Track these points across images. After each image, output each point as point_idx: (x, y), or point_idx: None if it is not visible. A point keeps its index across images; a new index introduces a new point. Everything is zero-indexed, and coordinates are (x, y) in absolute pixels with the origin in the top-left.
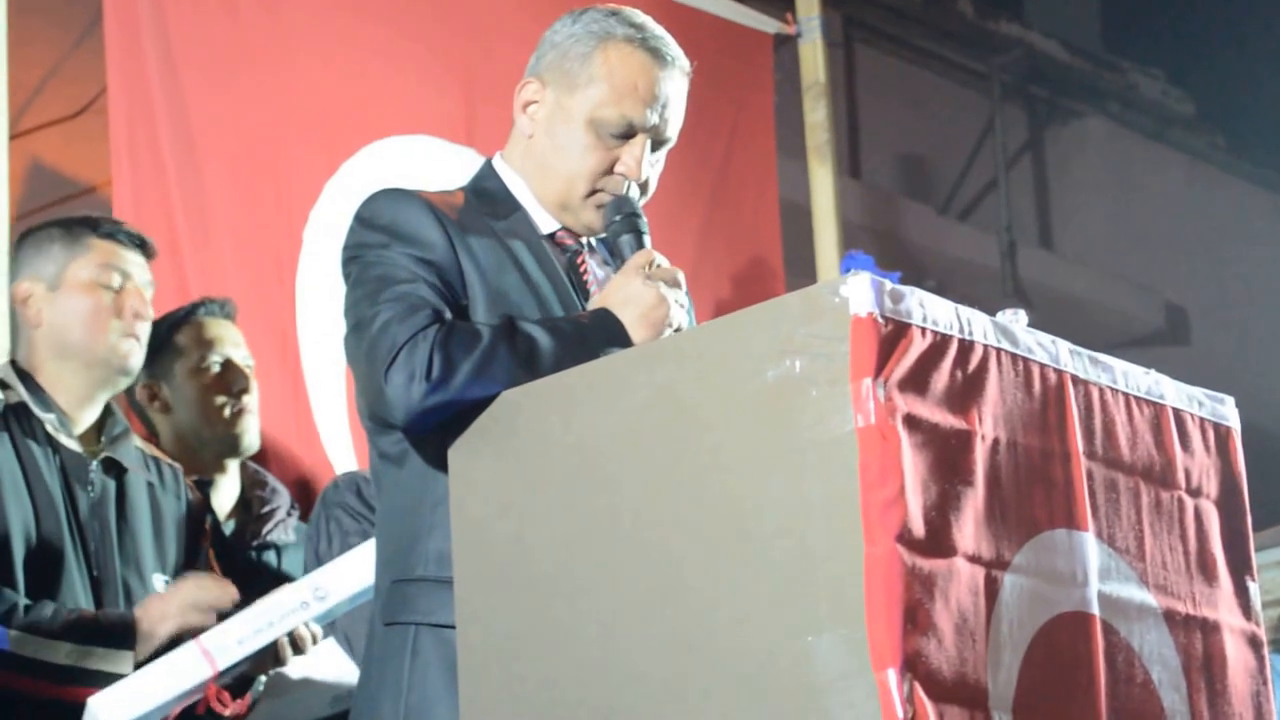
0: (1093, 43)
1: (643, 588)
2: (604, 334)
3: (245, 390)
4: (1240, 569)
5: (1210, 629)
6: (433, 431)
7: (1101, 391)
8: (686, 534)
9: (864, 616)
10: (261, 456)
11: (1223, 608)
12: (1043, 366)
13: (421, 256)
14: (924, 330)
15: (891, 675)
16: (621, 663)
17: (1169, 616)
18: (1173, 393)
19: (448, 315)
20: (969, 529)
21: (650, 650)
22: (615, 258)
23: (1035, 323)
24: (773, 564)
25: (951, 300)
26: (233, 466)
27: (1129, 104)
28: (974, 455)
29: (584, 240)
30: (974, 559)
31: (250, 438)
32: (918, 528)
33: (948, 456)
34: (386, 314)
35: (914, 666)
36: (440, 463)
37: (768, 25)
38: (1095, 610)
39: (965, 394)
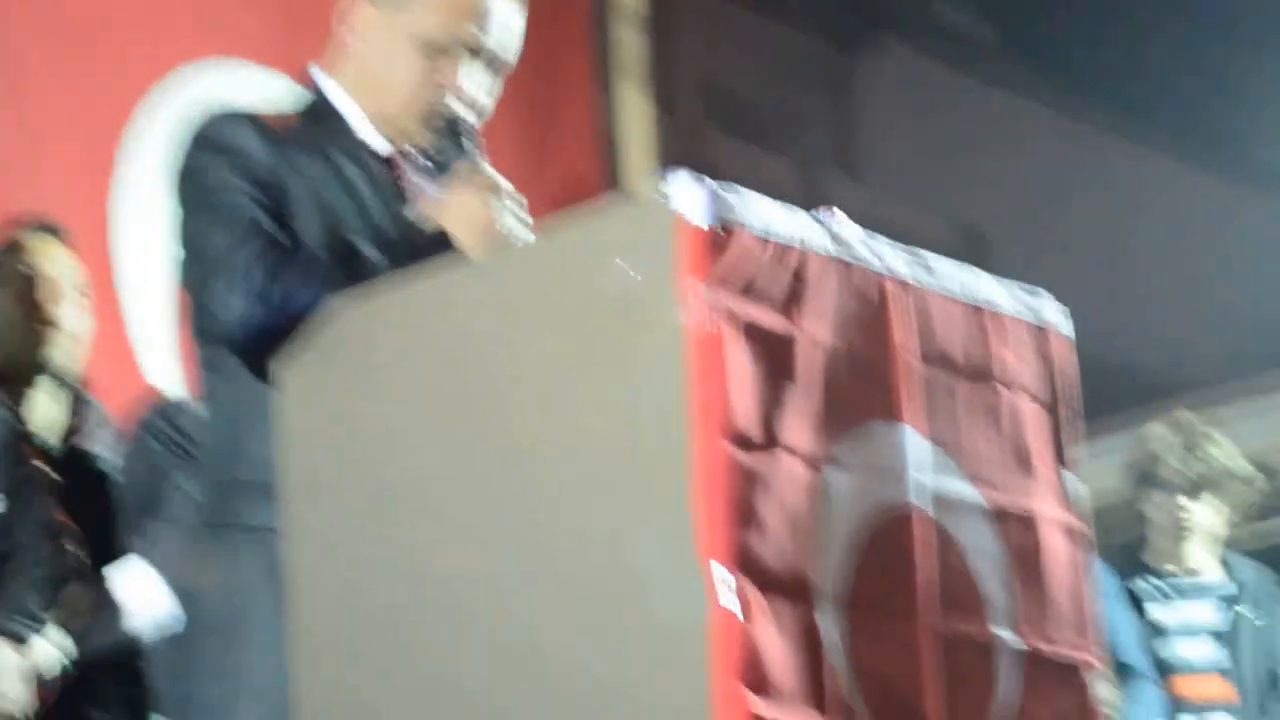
0: None
1: (472, 492)
2: (434, 248)
3: (55, 305)
4: (1059, 463)
5: (1030, 521)
6: (261, 347)
7: (925, 292)
8: (518, 440)
9: (693, 512)
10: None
11: (1042, 500)
12: (866, 268)
13: (250, 174)
14: (750, 233)
15: (720, 568)
16: (449, 566)
17: (990, 509)
18: (994, 292)
19: (278, 235)
20: (795, 426)
21: (480, 551)
22: (442, 171)
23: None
24: (604, 466)
25: None
26: (45, 380)
27: (933, 33)
28: (800, 355)
29: (409, 154)
30: (800, 455)
31: (59, 355)
32: (745, 425)
33: (775, 356)
34: (219, 235)
35: (742, 559)
36: (265, 371)
37: None
38: (918, 503)
39: (792, 295)
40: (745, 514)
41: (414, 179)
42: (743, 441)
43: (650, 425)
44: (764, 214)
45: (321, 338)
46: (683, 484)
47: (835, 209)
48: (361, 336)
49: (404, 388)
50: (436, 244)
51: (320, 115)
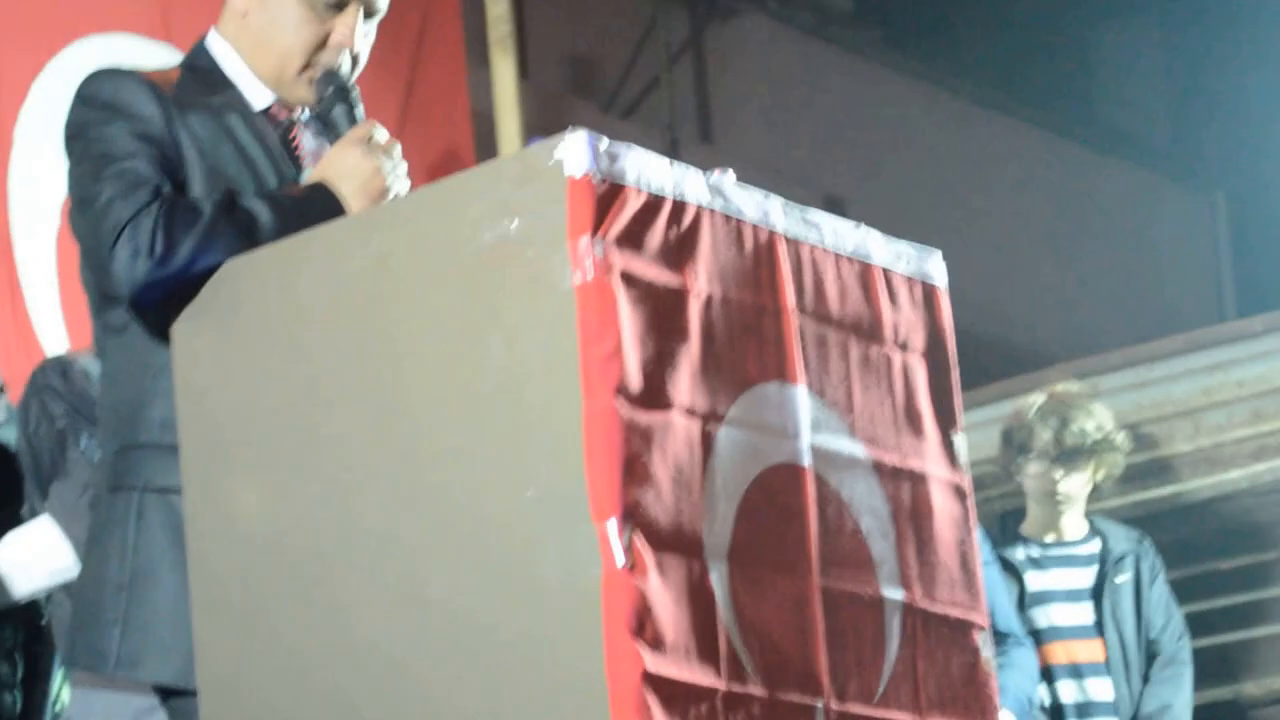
0: None
1: (366, 449)
2: (322, 207)
3: None
4: (946, 422)
5: (917, 480)
6: (158, 306)
7: (812, 249)
8: (408, 397)
9: (584, 469)
10: None
11: (929, 459)
12: (755, 225)
13: (141, 131)
14: (639, 190)
15: (611, 525)
16: (346, 522)
17: (878, 468)
18: (881, 249)
19: (168, 190)
20: (684, 383)
21: (374, 509)
22: (329, 131)
23: None
24: (494, 424)
25: None
26: None
27: (788, 1)
28: (688, 311)
29: (297, 114)
30: (690, 412)
31: None
32: (635, 382)
33: (663, 313)
34: (109, 191)
35: (633, 517)
36: (162, 332)
37: None
38: (807, 462)
39: (680, 252)
40: (636, 471)
41: (308, 142)
42: (634, 398)
43: (540, 383)
44: (652, 170)
45: (216, 297)
46: (574, 441)
47: (729, 169)
48: (255, 295)
49: (296, 345)
50: (327, 204)
51: (208, 77)
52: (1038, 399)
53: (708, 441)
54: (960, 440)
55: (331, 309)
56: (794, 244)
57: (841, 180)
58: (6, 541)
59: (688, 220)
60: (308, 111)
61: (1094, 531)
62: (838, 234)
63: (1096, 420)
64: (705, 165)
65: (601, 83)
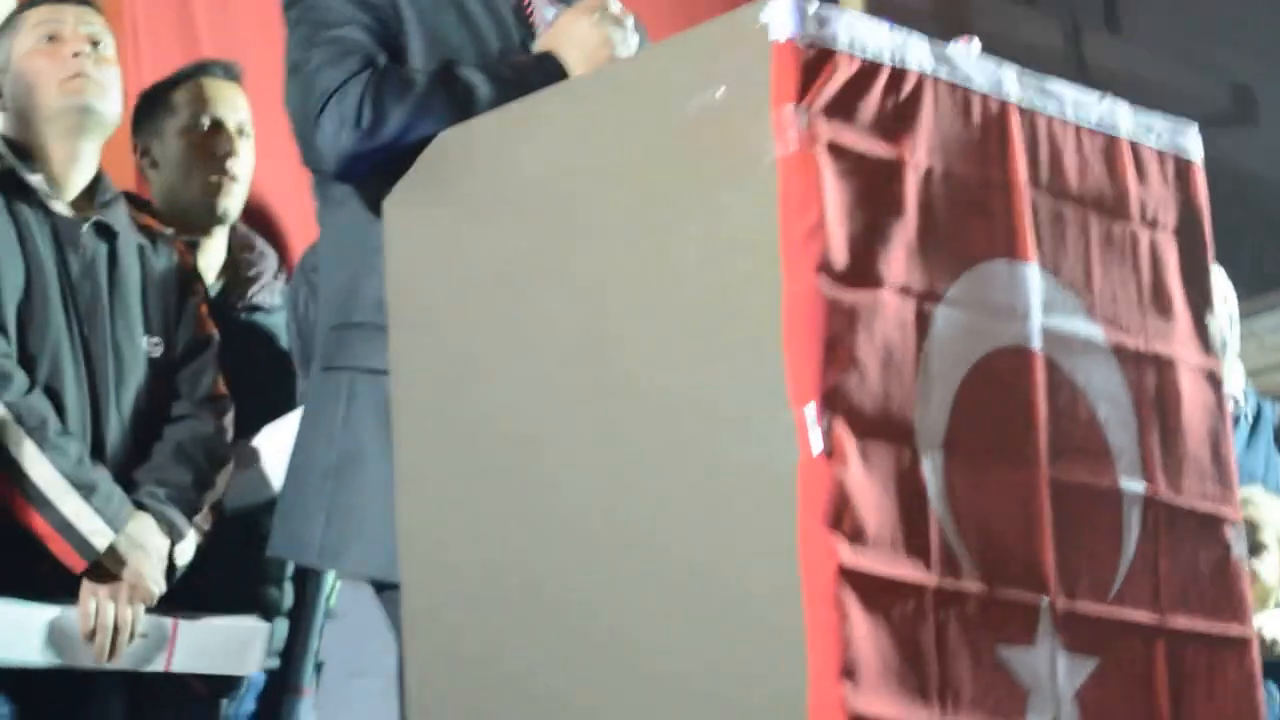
0: None
1: (570, 327)
2: (545, 77)
3: (230, 154)
4: (1199, 304)
5: (1164, 365)
6: (370, 178)
7: (1049, 121)
8: (614, 272)
9: (782, 351)
10: (255, 217)
11: (1178, 343)
12: (984, 95)
13: None
14: (851, 56)
15: (810, 410)
16: (549, 403)
17: (1119, 351)
18: (1129, 123)
19: (382, 59)
20: (898, 261)
21: (576, 393)
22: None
23: None
24: (692, 304)
25: None
26: (220, 230)
27: None
28: (905, 185)
29: None
30: (904, 291)
31: (228, 204)
32: (840, 259)
33: (876, 186)
34: (318, 58)
35: (834, 401)
36: (378, 206)
37: None
38: (1037, 345)
39: (896, 122)
40: (840, 353)
41: (545, 11)
42: (839, 276)
43: (738, 260)
44: (869, 36)
45: (427, 170)
46: (772, 321)
47: (974, 37)
48: (466, 168)
49: (502, 220)
50: (550, 73)
51: None
52: None
53: (923, 322)
54: (1215, 323)
55: (540, 183)
56: (1030, 115)
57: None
58: (265, 433)
59: (907, 89)
60: None
61: None
62: (1080, 105)
63: None
64: (1111, 57)
65: None
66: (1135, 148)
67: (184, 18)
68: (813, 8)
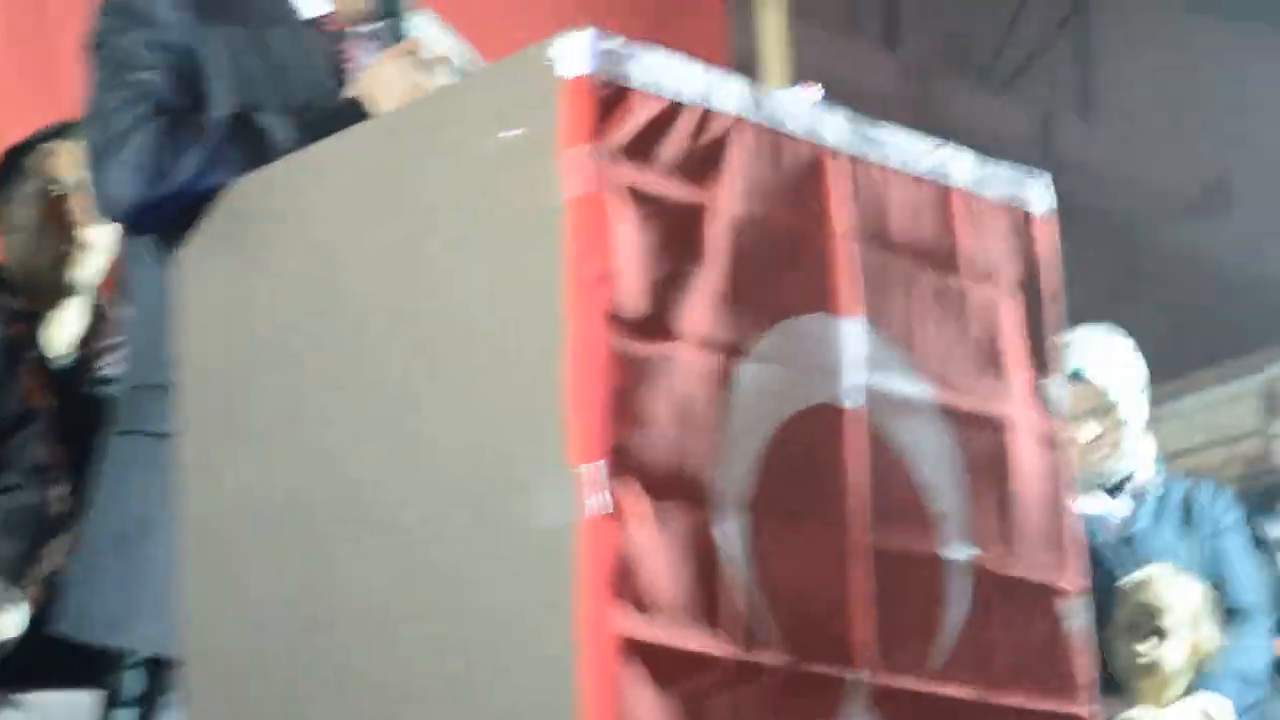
0: None
1: (356, 383)
2: (349, 123)
3: (80, 223)
4: (1038, 362)
5: (998, 427)
6: (170, 231)
7: (873, 168)
8: (401, 322)
9: (564, 405)
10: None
11: (1014, 404)
12: (801, 140)
13: (155, 40)
14: (651, 95)
15: (592, 468)
16: (332, 454)
17: (949, 412)
18: (965, 173)
19: (176, 104)
20: (701, 312)
21: (363, 449)
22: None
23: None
24: (479, 349)
25: None
26: (73, 300)
27: None
28: (711, 232)
29: (356, 27)
30: (706, 344)
31: (78, 274)
32: (634, 308)
33: (678, 232)
34: (113, 102)
35: (622, 459)
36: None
37: None
38: (855, 403)
39: (703, 165)
40: (630, 409)
41: (362, 57)
42: (632, 326)
43: (525, 308)
44: (674, 76)
45: (219, 220)
46: (556, 373)
47: (818, 84)
48: (256, 215)
49: (291, 270)
50: (355, 118)
51: None
52: None
53: (727, 377)
54: (1056, 383)
55: (334, 226)
56: (855, 162)
57: (1228, 161)
58: None
59: (716, 131)
60: (370, 26)
61: None
62: (911, 152)
63: None
64: (1082, 145)
65: (973, 57)
66: (970, 198)
67: (49, 77)
68: (609, 44)
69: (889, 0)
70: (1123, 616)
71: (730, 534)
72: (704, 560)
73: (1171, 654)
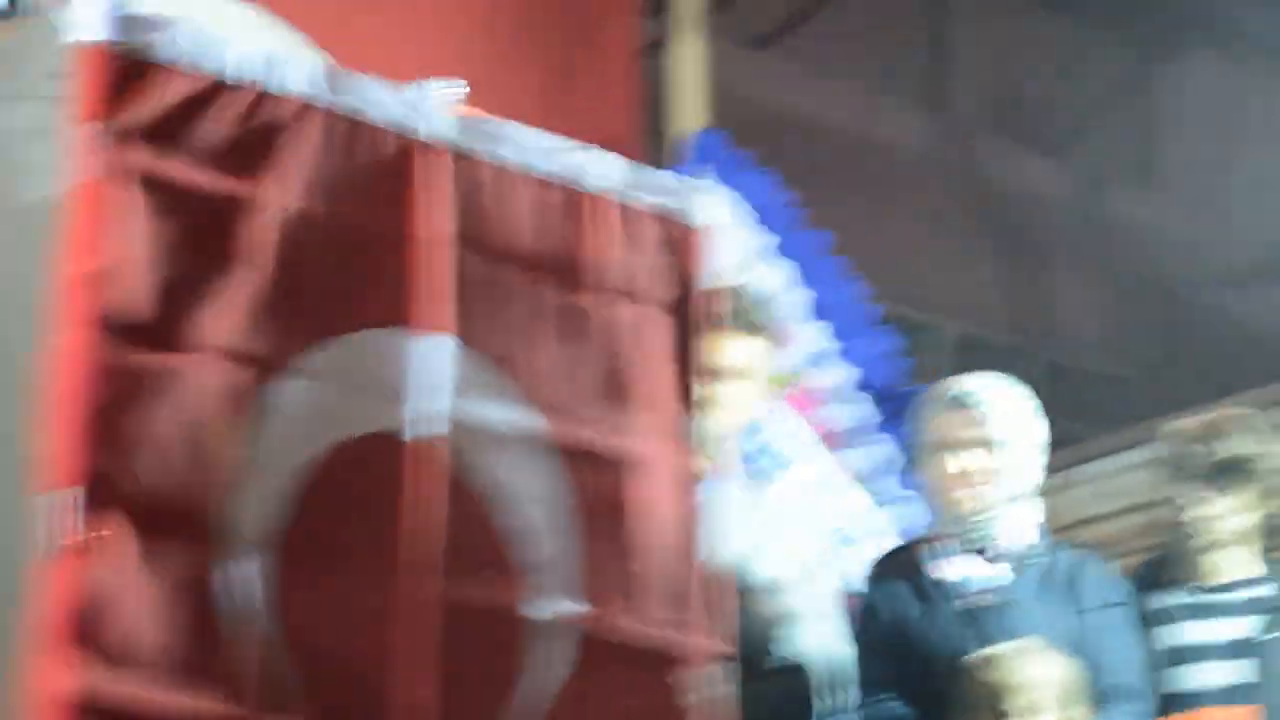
0: None
1: None
2: None
3: None
4: (680, 389)
5: (624, 464)
6: None
7: (484, 166)
8: None
9: (42, 423)
10: None
11: (647, 438)
12: (389, 131)
13: None
14: (188, 71)
15: (65, 495)
16: None
17: (561, 447)
18: (608, 175)
19: None
20: (230, 321)
21: None
22: None
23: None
24: None
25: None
26: None
27: (1235, 37)
28: (253, 231)
29: None
30: (232, 358)
31: None
32: (137, 314)
33: (210, 228)
34: None
35: (104, 487)
36: None
37: None
38: (426, 432)
39: (250, 154)
40: (120, 429)
41: None
42: (132, 334)
43: (19, 313)
44: (223, 50)
45: None
46: (35, 385)
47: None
48: None
49: None
50: None
51: None
52: (1196, 420)
53: (258, 397)
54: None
55: None
56: (460, 159)
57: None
58: None
59: (275, 115)
60: None
61: (1263, 577)
62: (538, 151)
63: (1259, 437)
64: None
65: (1025, 118)
66: (612, 205)
67: None
68: (139, 13)
69: (933, 58)
70: (968, 695)
71: (246, 578)
72: (208, 609)
73: None
